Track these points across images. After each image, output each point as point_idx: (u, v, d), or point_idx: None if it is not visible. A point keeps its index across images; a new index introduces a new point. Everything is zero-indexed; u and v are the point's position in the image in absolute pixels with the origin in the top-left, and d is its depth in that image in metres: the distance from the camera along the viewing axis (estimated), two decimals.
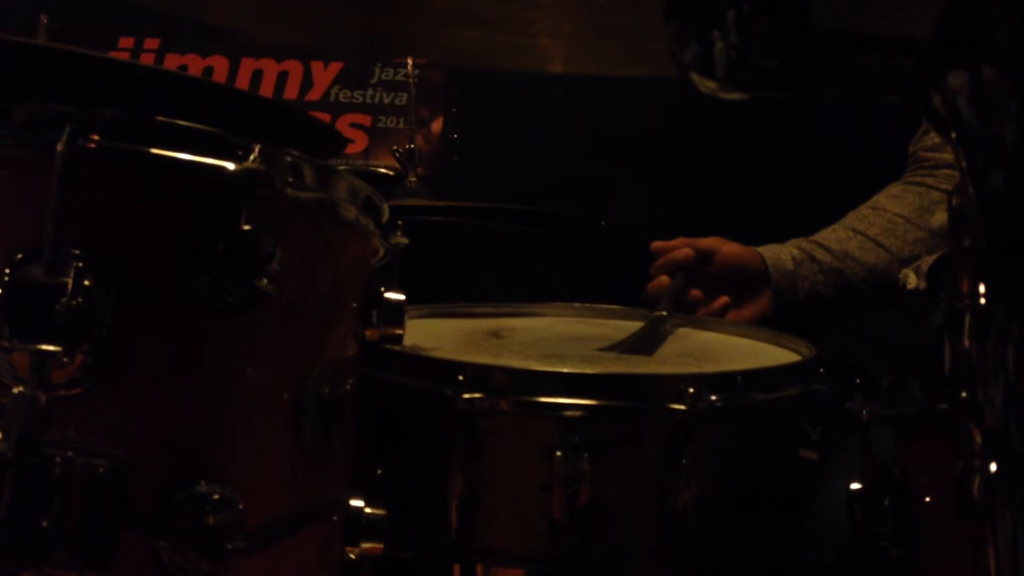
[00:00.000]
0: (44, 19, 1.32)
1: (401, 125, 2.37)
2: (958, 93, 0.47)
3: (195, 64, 2.41)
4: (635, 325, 1.30)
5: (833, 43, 0.47)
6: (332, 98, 2.40)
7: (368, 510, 0.79)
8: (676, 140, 2.30)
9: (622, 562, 0.95)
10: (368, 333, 0.85)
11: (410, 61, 2.06)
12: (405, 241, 0.89)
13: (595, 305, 1.47)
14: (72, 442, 0.62)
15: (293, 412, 0.74)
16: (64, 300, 0.62)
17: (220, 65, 2.41)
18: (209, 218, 0.69)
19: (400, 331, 0.86)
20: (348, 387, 0.81)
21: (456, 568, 0.97)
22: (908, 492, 0.88)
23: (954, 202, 0.49)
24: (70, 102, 0.66)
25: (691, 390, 0.92)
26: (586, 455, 0.90)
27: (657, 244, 1.56)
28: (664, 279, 1.52)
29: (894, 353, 1.41)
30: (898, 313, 1.47)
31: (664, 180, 2.32)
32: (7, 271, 0.63)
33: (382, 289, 0.86)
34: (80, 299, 0.63)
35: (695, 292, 1.54)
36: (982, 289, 0.47)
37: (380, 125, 2.39)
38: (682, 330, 1.36)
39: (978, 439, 0.47)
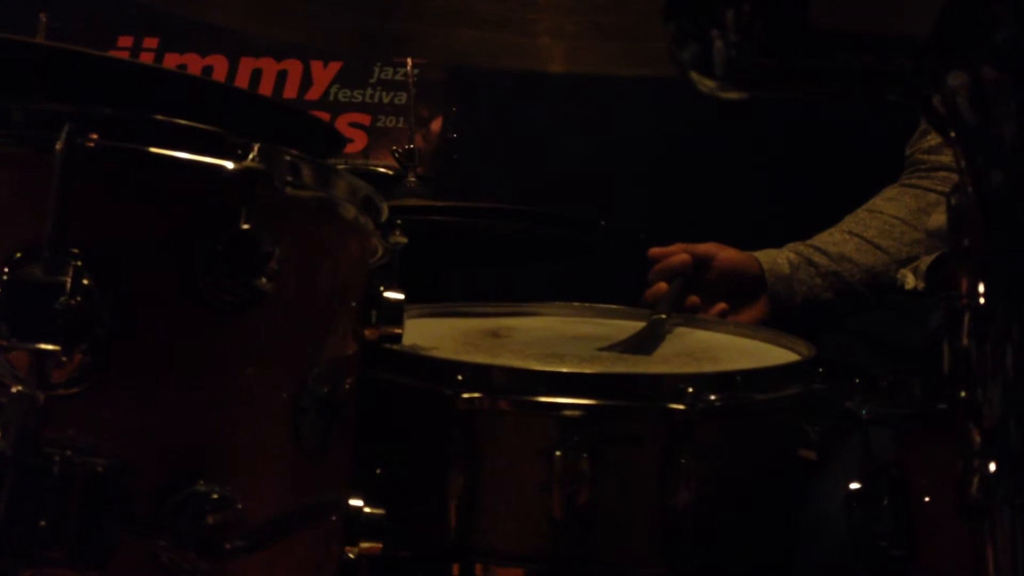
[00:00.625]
0: (43, 18, 1.32)
1: (400, 124, 2.37)
2: (958, 93, 0.47)
3: (194, 63, 2.40)
4: (635, 325, 1.30)
5: (833, 43, 0.47)
6: (331, 97, 2.40)
7: (367, 510, 0.79)
8: (676, 140, 2.30)
9: (621, 562, 0.95)
10: (367, 333, 0.85)
11: (410, 61, 2.06)
12: (404, 240, 0.89)
13: (595, 305, 1.47)
14: (71, 441, 0.62)
15: (292, 412, 0.74)
16: (63, 299, 0.62)
17: (219, 64, 2.41)
18: (208, 217, 0.69)
19: (399, 331, 0.86)
20: (347, 387, 0.81)
21: (455, 567, 0.97)
22: (907, 492, 0.88)
23: (954, 202, 0.49)
24: (69, 101, 0.66)
25: (690, 390, 0.92)
26: (585, 455, 0.90)
27: (655, 250, 1.57)
28: (662, 285, 1.52)
29: (893, 353, 1.41)
30: (897, 313, 1.47)
31: (664, 180, 2.32)
32: (6, 270, 0.63)
33: (381, 288, 0.85)
34: (79, 298, 0.63)
35: (693, 298, 1.55)
36: (981, 289, 0.47)
37: (379, 124, 2.39)
38: (681, 330, 1.36)
39: (977, 439, 0.47)
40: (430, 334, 1.21)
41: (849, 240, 1.60)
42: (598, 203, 1.99)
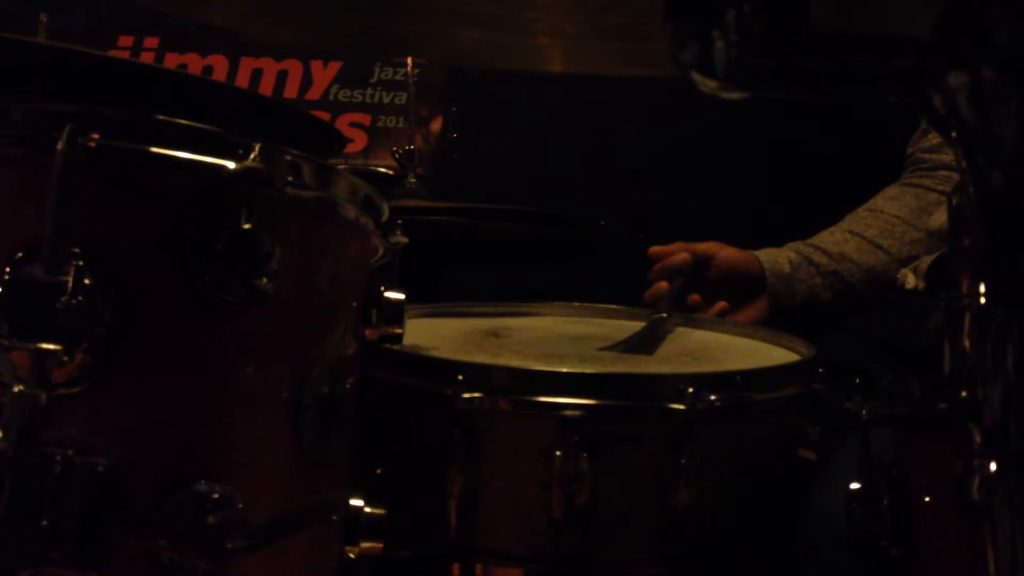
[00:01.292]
0: (44, 17, 1.32)
1: (401, 124, 2.37)
2: (958, 93, 0.47)
3: (194, 63, 2.41)
4: (635, 325, 1.30)
5: (833, 43, 0.47)
6: (331, 97, 2.40)
7: (367, 509, 0.79)
8: (676, 140, 2.30)
9: (621, 562, 0.95)
10: (368, 332, 0.85)
11: (410, 61, 2.06)
12: (405, 240, 0.89)
13: (595, 305, 1.47)
14: (72, 441, 0.62)
15: (293, 411, 0.74)
16: (64, 299, 0.62)
17: (219, 64, 2.41)
18: (209, 217, 0.69)
19: (400, 330, 0.86)
20: (348, 386, 0.81)
21: (455, 567, 0.97)
22: (907, 492, 0.88)
23: (954, 202, 0.49)
24: (70, 101, 0.66)
25: (690, 390, 0.92)
26: (585, 454, 0.90)
27: (655, 249, 1.57)
28: (662, 284, 1.52)
29: (893, 353, 1.41)
30: (897, 313, 1.47)
31: (663, 180, 2.32)
32: (7, 270, 0.63)
33: (382, 288, 0.85)
34: (80, 298, 0.63)
35: (693, 297, 1.55)
36: (982, 289, 0.47)
37: (380, 124, 2.39)
38: (681, 330, 1.36)
39: (977, 439, 0.47)
40: (430, 334, 1.21)
41: (850, 239, 1.60)
42: (598, 203, 1.99)
